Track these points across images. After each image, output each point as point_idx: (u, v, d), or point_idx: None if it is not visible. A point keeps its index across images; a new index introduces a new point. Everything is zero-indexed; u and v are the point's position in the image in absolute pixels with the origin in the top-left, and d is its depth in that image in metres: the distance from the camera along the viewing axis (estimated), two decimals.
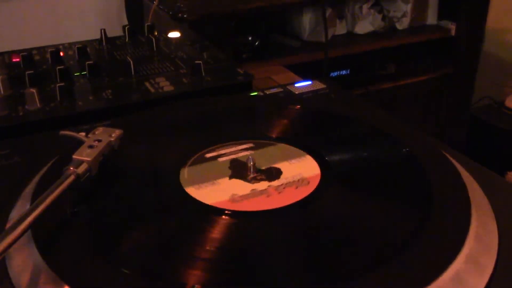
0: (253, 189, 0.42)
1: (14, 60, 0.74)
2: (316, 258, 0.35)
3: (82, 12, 1.28)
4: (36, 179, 0.44)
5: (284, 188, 0.43)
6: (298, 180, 0.44)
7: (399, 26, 1.32)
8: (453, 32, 1.32)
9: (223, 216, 0.39)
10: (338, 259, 0.34)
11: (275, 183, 0.43)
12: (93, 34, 0.85)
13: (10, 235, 0.32)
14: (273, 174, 0.44)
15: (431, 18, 1.37)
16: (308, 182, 0.43)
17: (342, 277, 0.32)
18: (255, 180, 0.43)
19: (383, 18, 1.29)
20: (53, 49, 0.74)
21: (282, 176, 0.44)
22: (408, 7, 1.30)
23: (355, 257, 0.34)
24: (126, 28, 0.83)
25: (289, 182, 0.43)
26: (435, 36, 1.33)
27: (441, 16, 1.36)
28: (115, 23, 1.25)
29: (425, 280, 0.32)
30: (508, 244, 0.37)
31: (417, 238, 0.35)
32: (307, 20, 1.20)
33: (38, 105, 0.58)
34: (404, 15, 1.31)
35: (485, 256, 0.35)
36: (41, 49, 0.78)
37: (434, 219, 0.38)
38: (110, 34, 0.83)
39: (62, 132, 0.44)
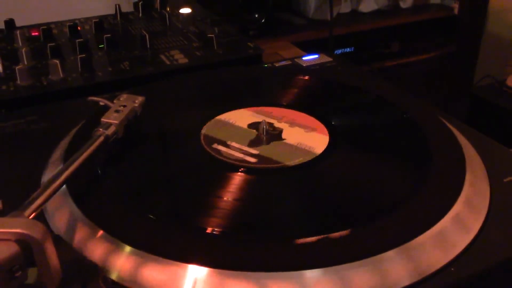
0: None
1: (33, 34, 0.77)
2: (330, 206, 0.39)
3: None
4: (66, 140, 0.47)
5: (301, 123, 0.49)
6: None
7: (403, 5, 1.34)
8: (456, 11, 1.34)
9: None
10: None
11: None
12: (100, 11, 0.87)
13: (47, 190, 0.36)
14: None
15: None
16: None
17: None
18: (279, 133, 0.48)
19: None
20: (71, 23, 0.77)
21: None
22: None
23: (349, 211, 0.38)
24: (140, 3, 0.86)
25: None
26: (438, 15, 1.34)
27: None
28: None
29: (409, 235, 0.35)
30: (499, 208, 0.39)
31: (409, 197, 0.38)
32: None
33: (61, 75, 0.62)
34: None
35: (472, 218, 0.38)
36: (59, 23, 0.81)
37: (428, 180, 0.40)
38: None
39: (90, 98, 0.48)
